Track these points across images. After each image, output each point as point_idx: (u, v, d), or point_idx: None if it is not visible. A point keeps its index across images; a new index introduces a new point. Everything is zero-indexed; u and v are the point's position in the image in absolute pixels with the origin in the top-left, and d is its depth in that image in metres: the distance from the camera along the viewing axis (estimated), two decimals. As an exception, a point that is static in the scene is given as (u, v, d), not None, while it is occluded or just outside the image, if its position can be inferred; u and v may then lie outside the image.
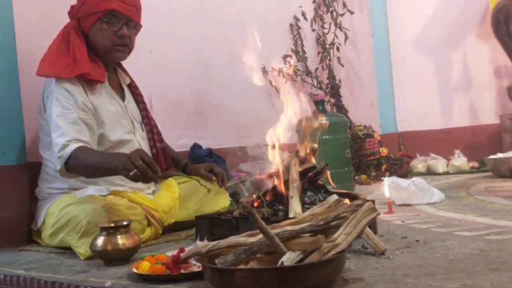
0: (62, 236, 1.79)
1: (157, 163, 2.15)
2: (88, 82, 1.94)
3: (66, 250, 1.79)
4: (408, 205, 2.35)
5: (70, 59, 1.92)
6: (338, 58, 3.99)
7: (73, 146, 1.80)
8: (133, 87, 2.19)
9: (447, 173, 3.77)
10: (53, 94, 1.89)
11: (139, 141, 2.09)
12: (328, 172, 1.94)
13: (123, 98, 2.12)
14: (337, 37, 3.95)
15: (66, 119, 1.85)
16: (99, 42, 1.99)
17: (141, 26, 2.07)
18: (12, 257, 1.81)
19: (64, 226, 1.78)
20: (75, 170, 1.82)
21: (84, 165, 1.80)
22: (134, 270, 1.36)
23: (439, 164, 3.84)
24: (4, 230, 1.98)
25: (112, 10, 1.95)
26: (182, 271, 1.31)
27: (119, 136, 2.00)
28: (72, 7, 2.03)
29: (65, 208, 1.81)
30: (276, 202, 1.78)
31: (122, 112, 2.07)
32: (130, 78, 2.20)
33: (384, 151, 3.71)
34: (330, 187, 1.91)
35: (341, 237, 1.22)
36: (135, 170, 1.63)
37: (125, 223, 1.60)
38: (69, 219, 1.77)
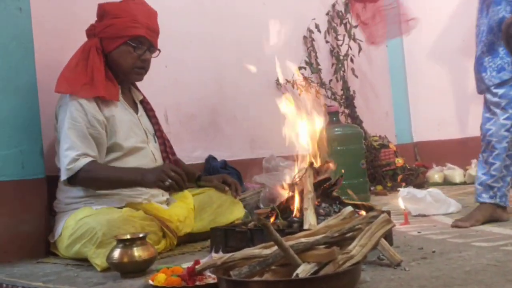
0: (79, 247, 1.81)
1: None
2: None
3: (83, 262, 1.81)
4: (424, 215, 2.33)
5: (87, 78, 1.98)
6: (352, 69, 3.99)
7: (84, 160, 1.89)
8: (145, 103, 2.26)
9: (464, 183, 3.73)
10: (66, 105, 1.95)
11: (152, 150, 2.12)
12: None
13: (136, 111, 2.17)
14: (351, 49, 3.96)
15: (77, 132, 1.92)
16: (121, 64, 2.06)
17: (160, 51, 2.14)
18: (30, 269, 1.83)
19: (80, 237, 1.81)
20: (84, 182, 1.92)
21: (97, 178, 1.91)
22: (150, 282, 1.37)
23: (456, 174, 3.80)
24: (23, 243, 2.01)
25: (140, 36, 2.03)
26: (198, 283, 1.31)
27: (134, 144, 2.05)
28: (93, 26, 2.08)
29: (81, 220, 1.84)
30: (291, 213, 1.78)
31: (136, 122, 2.12)
32: (142, 94, 2.26)
33: (399, 161, 3.69)
34: (347, 198, 1.90)
35: (356, 248, 1.21)
36: (170, 180, 1.81)
37: (141, 235, 1.62)
38: (86, 230, 1.80)
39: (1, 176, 1.99)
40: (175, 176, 1.83)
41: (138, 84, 2.25)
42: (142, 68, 2.10)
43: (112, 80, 2.05)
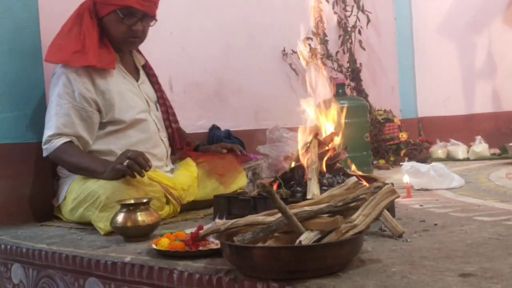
0: (82, 211, 1.82)
1: (172, 143, 2.19)
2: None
3: (87, 226, 1.82)
4: (427, 190, 2.33)
5: (79, 45, 1.91)
6: (360, 42, 3.95)
7: (57, 141, 1.90)
8: (147, 68, 2.21)
9: (467, 159, 3.72)
10: (57, 78, 1.93)
11: (155, 120, 2.11)
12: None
13: (137, 78, 2.12)
14: (359, 20, 3.91)
15: (60, 109, 1.91)
16: (112, 33, 1.99)
17: (156, 20, 2.05)
18: (34, 232, 1.85)
19: (84, 201, 1.81)
20: (56, 161, 1.95)
21: (66, 161, 1.92)
22: (154, 246, 1.38)
23: (460, 150, 3.79)
24: (27, 206, 2.03)
25: (128, 6, 1.94)
26: (201, 248, 1.32)
27: (134, 116, 2.01)
28: None
29: (85, 184, 1.84)
30: (294, 183, 1.79)
31: (136, 91, 2.08)
32: (145, 59, 2.21)
33: (403, 136, 3.68)
34: (350, 170, 1.90)
35: (360, 218, 1.21)
36: (127, 161, 1.75)
37: (145, 200, 1.62)
38: (88, 194, 1.80)
39: (5, 139, 1.99)
40: (133, 160, 1.74)
41: (142, 50, 2.22)
42: (135, 38, 2.01)
43: (108, 47, 1.97)
